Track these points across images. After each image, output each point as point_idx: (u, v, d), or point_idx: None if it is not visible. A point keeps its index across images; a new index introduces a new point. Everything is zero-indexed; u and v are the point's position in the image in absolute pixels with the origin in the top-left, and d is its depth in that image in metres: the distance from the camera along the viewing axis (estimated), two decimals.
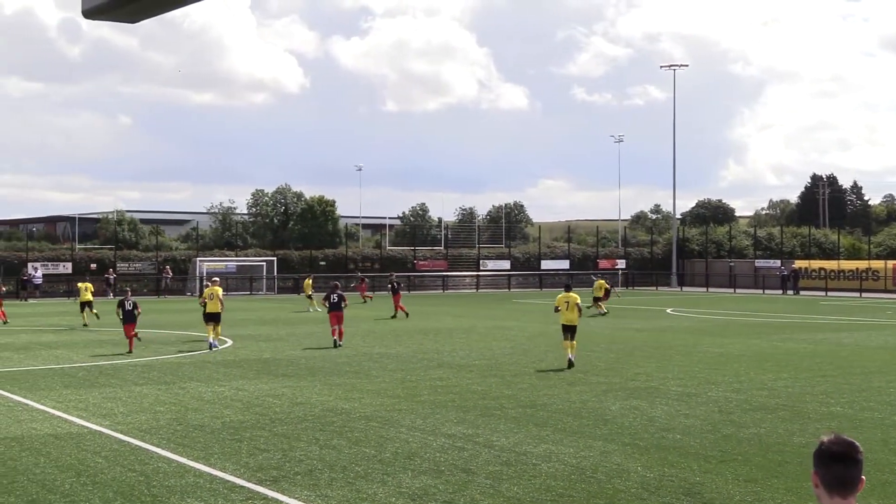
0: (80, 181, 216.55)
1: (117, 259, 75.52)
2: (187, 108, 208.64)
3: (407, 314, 45.17)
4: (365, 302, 56.67)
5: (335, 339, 30.89)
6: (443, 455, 14.02)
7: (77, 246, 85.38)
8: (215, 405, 18.81)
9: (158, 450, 14.44)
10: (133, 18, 5.51)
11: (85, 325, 39.94)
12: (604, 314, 45.94)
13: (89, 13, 5.38)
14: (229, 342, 31.78)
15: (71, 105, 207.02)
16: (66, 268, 72.87)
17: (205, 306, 31.21)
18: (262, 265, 77.15)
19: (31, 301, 64.70)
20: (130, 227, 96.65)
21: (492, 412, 17.88)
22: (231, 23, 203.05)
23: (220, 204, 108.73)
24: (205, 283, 49.70)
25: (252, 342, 32.24)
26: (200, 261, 74.73)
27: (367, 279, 65.86)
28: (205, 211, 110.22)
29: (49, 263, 72.53)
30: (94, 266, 73.15)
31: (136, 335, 30.02)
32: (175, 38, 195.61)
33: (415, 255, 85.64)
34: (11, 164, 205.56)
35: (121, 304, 30.31)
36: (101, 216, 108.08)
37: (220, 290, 31.68)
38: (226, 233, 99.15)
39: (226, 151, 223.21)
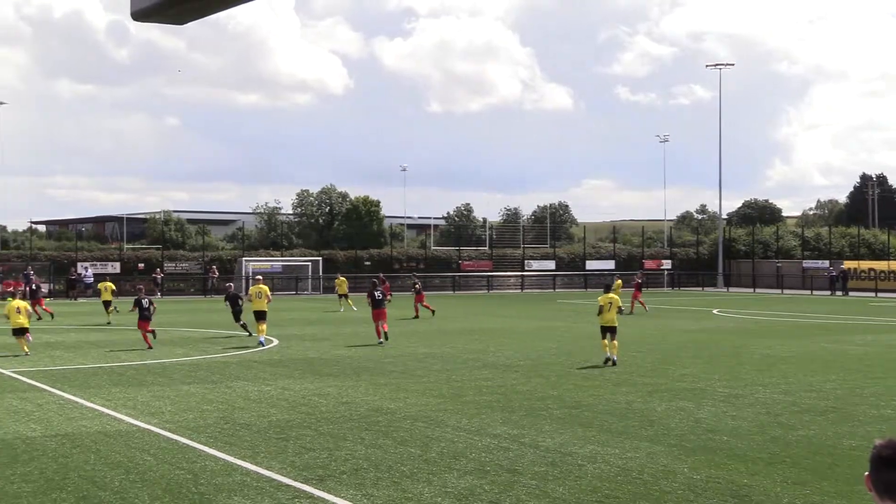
0: (128, 182, 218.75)
1: (164, 259, 76.18)
2: (233, 109, 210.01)
3: (433, 311, 45.39)
4: (388, 301, 57.03)
5: (385, 334, 31.66)
6: (488, 455, 14.01)
7: (125, 246, 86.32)
8: (262, 404, 18.92)
9: (206, 448, 14.54)
10: (180, 20, 5.55)
11: (108, 323, 41.69)
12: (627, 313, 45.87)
13: (138, 15, 5.43)
14: (275, 342, 31.96)
15: (119, 107, 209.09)
16: (115, 267, 73.58)
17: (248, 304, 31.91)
18: (308, 265, 77.49)
19: (80, 300, 65.42)
20: (177, 227, 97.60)
21: (537, 412, 17.84)
22: (276, 24, 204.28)
23: (266, 204, 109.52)
24: (251, 282, 50.45)
25: (297, 342, 32.40)
26: (246, 261, 75.20)
27: (387, 279, 66.33)
28: (250, 211, 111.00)
29: (98, 263, 73.29)
30: (141, 266, 73.88)
31: (151, 332, 30.63)
32: (221, 40, 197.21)
33: (459, 255, 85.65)
34: (62, 165, 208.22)
35: (137, 302, 31.14)
36: (148, 216, 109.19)
37: (266, 289, 32.23)
38: (271, 233, 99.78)
39: (271, 152, 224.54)
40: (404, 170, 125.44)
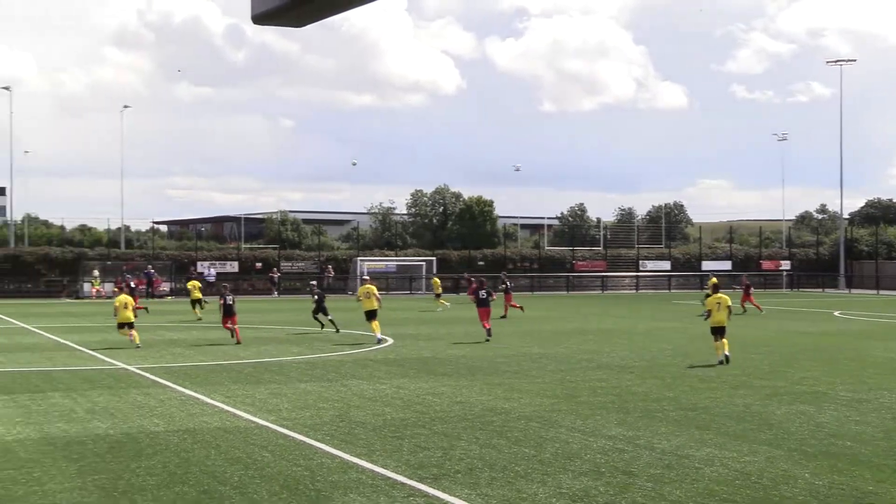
0: (245, 182, 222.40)
1: (281, 258, 77.38)
2: (347, 110, 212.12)
3: (522, 308, 45.43)
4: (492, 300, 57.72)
5: (488, 331, 32.96)
6: (603, 457, 13.91)
7: (243, 245, 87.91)
8: (377, 403, 19.08)
9: (322, 445, 14.72)
10: (300, 23, 5.63)
11: (199, 319, 43.06)
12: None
13: (258, 18, 5.52)
14: (390, 341, 32.22)
15: (236, 109, 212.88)
16: (233, 266, 75.08)
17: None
18: (422, 265, 77.94)
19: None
20: (293, 227, 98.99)
21: (652, 414, 17.65)
22: (388, 25, 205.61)
23: (380, 204, 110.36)
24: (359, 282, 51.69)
25: (412, 341, 32.61)
26: (361, 260, 75.98)
27: (473, 279, 66.78)
28: (365, 211, 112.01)
29: (217, 262, 74.86)
30: (259, 265, 75.18)
31: (236, 328, 31.97)
32: (334, 42, 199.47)
33: (573, 255, 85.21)
34: (182, 166, 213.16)
35: (222, 299, 33.03)
36: (265, 216, 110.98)
37: (374, 289, 33.15)
38: (385, 233, 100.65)
39: (385, 152, 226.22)
40: (517, 170, 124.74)
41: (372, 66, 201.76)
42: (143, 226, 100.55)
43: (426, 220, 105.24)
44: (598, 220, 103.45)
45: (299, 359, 27.33)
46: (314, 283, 42.23)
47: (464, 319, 43.29)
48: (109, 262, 72.80)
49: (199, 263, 73.11)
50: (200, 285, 47.94)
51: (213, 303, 42.12)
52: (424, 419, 17.16)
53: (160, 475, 12.75)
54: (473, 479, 12.54)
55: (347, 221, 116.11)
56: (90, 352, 28.85)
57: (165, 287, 71.76)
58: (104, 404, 18.71)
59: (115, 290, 62.15)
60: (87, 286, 68.50)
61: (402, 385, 21.62)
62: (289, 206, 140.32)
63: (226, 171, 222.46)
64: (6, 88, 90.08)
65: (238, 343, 31.02)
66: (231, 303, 32.50)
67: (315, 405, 18.73)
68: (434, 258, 78.65)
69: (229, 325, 32.12)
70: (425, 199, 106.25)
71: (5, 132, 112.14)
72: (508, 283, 48.00)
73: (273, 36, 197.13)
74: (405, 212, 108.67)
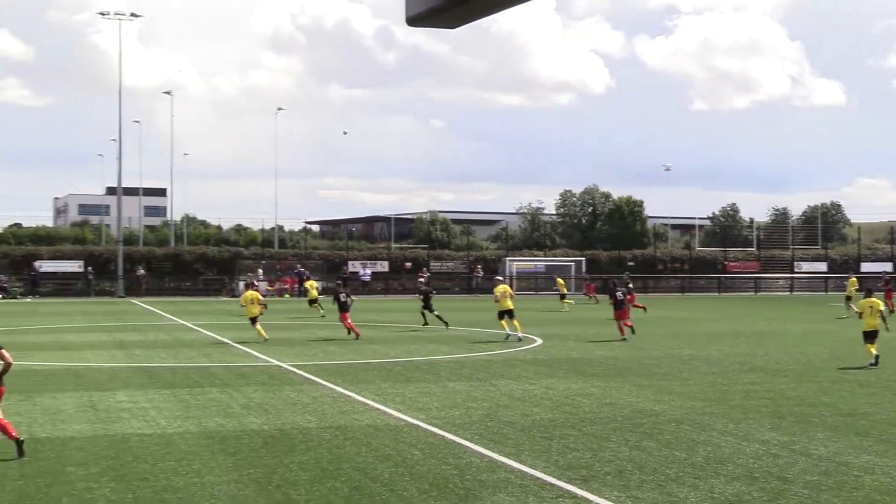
0: (396, 183, 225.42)
1: (430, 258, 78.01)
2: (497, 110, 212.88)
3: (644, 309, 44.91)
4: (596, 302, 58.30)
5: (631, 327, 33.91)
6: (757, 462, 13.60)
7: (393, 245, 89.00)
8: (525, 403, 19.07)
9: (471, 444, 14.77)
10: (454, 24, 5.65)
11: (322, 316, 43.81)
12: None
13: (413, 20, 5.57)
14: (539, 341, 32.17)
15: (387, 110, 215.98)
16: (383, 266, 76.11)
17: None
18: (571, 265, 77.59)
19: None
20: (443, 227, 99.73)
21: (808, 419, 17.18)
22: (536, 25, 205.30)
23: (529, 204, 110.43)
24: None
25: (560, 341, 32.49)
26: (510, 260, 76.09)
27: (590, 279, 67.61)
28: (514, 211, 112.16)
29: (367, 262, 75.99)
30: (408, 265, 76.02)
31: (350, 323, 33.66)
32: (484, 43, 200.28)
33: (725, 256, 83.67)
34: (334, 168, 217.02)
35: (336, 296, 34.96)
36: (415, 216, 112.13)
37: (508, 288, 34.44)
38: (534, 233, 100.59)
39: (534, 152, 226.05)
40: (668, 169, 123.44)
41: (521, 67, 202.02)
42: (296, 226, 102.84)
43: (575, 221, 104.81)
44: (751, 221, 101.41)
45: (448, 358, 27.51)
46: (421, 279, 43.64)
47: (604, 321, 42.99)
48: (264, 262, 74.66)
49: (350, 263, 74.31)
50: (317, 285, 49.43)
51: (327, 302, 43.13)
52: (573, 420, 17.07)
53: (313, 471, 12.99)
54: (623, 482, 12.42)
55: (496, 221, 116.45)
56: (245, 349, 29.63)
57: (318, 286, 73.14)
58: (259, 400, 19.18)
59: (269, 289, 64.26)
60: (241, 285, 70.40)
61: (551, 385, 21.56)
62: (439, 206, 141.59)
63: (377, 172, 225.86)
64: (167, 93, 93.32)
65: (357, 338, 32.65)
66: (344, 299, 33.96)
67: (464, 404, 18.82)
68: (583, 258, 78.23)
69: (348, 322, 33.58)
70: (574, 199, 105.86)
71: (167, 136, 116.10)
72: (630, 283, 47.52)
73: (423, 37, 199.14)
74: (554, 212, 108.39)
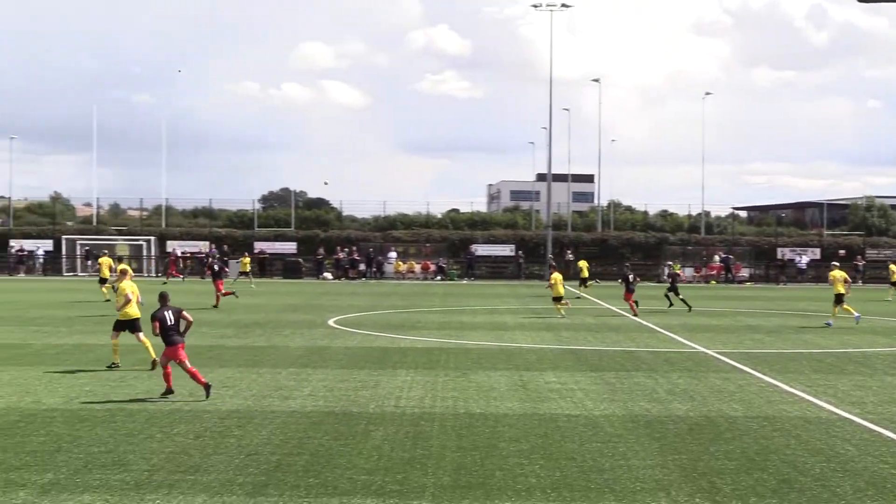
0: (827, 167, 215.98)
1: (866, 246, 74.16)
2: None
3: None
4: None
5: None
6: None
7: (825, 232, 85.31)
8: None
9: None
10: None
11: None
12: None
13: None
14: None
15: (817, 91, 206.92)
16: (814, 253, 73.35)
17: None
18: None
19: (786, 285, 65.94)
20: (880, 213, 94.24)
21: None
22: None
23: None
24: None
25: None
26: None
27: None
28: None
29: (797, 249, 73.65)
30: (842, 252, 72.60)
31: (632, 303, 36.64)
32: None
33: None
34: (761, 152, 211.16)
35: (624, 279, 38.03)
36: (849, 202, 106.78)
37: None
38: None
39: None
40: None
41: None
42: (723, 211, 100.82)
43: None
44: None
45: (886, 350, 26.01)
46: (670, 264, 49.23)
47: None
48: (690, 248, 74.17)
49: (779, 250, 72.29)
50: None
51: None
52: None
53: (739, 460, 12.76)
54: None
55: None
56: (670, 334, 29.56)
57: (745, 273, 71.77)
58: (684, 386, 19.08)
59: (696, 275, 63.78)
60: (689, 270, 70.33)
61: None
62: (873, 191, 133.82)
63: (808, 156, 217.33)
64: (595, 80, 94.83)
65: (635, 315, 35.42)
66: (631, 280, 37.29)
67: None
68: None
69: (632, 302, 36.72)
70: None
71: (594, 123, 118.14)
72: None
73: (858, 13, 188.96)
74: None
